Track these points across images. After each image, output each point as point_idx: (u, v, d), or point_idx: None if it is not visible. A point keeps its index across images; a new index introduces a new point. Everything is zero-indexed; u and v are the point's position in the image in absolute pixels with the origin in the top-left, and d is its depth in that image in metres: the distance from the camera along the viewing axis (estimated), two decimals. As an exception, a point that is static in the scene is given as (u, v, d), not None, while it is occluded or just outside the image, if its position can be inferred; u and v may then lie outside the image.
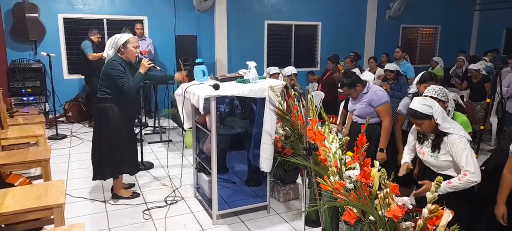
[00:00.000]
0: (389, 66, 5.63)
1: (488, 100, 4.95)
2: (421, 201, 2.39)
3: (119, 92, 3.61)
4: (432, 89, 2.92)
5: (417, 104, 2.52)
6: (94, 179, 3.86)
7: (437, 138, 2.54)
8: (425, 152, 2.65)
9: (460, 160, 2.41)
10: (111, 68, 3.57)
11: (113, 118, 3.65)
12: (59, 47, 7.34)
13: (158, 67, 4.23)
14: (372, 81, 3.89)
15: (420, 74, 3.66)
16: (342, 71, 6.23)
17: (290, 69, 5.17)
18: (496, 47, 9.87)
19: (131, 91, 3.62)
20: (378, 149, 3.53)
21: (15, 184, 3.03)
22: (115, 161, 3.76)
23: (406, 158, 2.90)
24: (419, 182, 2.62)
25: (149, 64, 3.78)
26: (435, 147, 2.56)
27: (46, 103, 6.90)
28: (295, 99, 3.41)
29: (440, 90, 2.90)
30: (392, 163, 3.51)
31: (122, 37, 3.66)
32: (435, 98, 2.77)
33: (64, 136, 6.25)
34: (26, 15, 6.87)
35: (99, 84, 3.67)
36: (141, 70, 3.72)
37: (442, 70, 7.79)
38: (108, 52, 3.69)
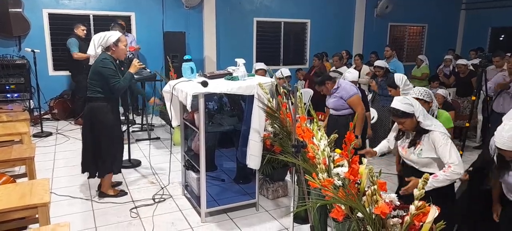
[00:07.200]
0: (379, 62, 5.69)
1: (473, 98, 5.03)
2: (406, 198, 2.42)
3: (109, 91, 3.58)
4: (418, 91, 3.09)
5: (399, 103, 2.59)
6: (88, 175, 3.85)
7: (417, 135, 2.62)
8: (407, 150, 2.69)
9: (443, 154, 2.49)
10: (103, 66, 3.52)
11: (107, 117, 3.62)
12: (44, 43, 7.18)
13: (148, 69, 4.20)
14: (356, 78, 4.48)
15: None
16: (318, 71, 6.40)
17: (285, 72, 5.24)
18: (482, 46, 10.05)
19: (121, 90, 3.62)
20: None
21: (-2, 183, 2.96)
22: (109, 159, 3.74)
23: (378, 147, 3.02)
24: (406, 179, 2.66)
25: (140, 65, 3.78)
26: (412, 144, 2.64)
27: (31, 100, 6.75)
28: (284, 97, 3.42)
29: (425, 91, 3.06)
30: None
31: (112, 36, 3.61)
32: (420, 100, 2.90)
33: (49, 133, 6.14)
34: (10, 10, 6.70)
35: (89, 83, 3.61)
36: (132, 70, 3.70)
37: (428, 68, 7.91)
38: (97, 50, 3.63)
